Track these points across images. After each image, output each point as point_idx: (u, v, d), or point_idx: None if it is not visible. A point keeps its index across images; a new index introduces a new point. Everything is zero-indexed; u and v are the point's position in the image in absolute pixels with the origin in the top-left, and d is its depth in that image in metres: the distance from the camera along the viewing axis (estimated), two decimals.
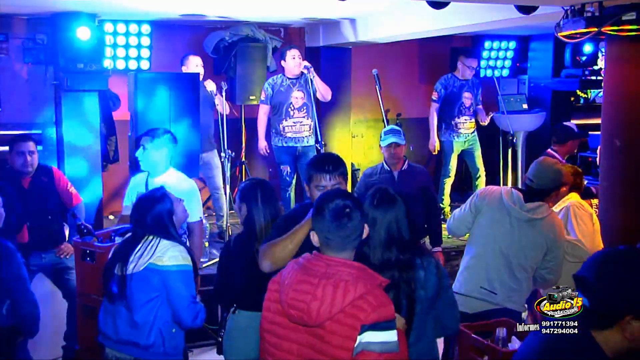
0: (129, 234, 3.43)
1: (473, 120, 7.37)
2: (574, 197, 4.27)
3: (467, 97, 7.29)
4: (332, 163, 3.06)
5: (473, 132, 7.38)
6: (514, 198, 3.82)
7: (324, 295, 2.21)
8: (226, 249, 3.59)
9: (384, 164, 5.15)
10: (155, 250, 3.22)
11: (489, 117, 7.45)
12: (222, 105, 6.33)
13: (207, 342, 4.95)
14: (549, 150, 5.57)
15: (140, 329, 3.24)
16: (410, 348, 2.61)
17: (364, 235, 2.44)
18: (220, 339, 3.56)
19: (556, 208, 4.14)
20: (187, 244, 4.04)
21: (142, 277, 3.21)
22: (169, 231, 3.32)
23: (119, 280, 3.24)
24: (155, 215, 3.31)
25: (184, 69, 6.41)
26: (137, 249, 3.25)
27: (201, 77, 6.28)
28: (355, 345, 2.19)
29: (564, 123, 5.92)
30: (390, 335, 2.24)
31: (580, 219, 4.07)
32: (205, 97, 6.29)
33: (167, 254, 3.22)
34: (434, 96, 7.31)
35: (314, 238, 2.41)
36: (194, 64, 6.38)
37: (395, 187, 4.83)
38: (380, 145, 5.17)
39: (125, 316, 3.25)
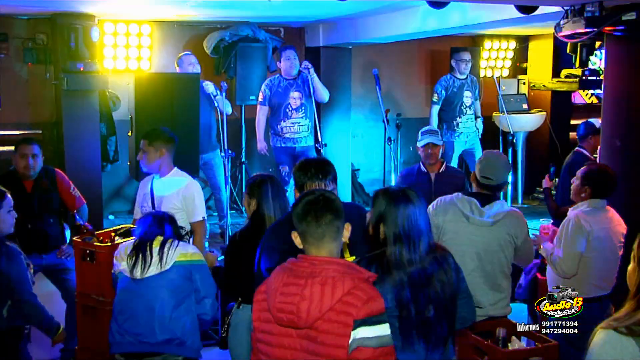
0: (133, 238, 3.50)
1: (474, 119, 7.34)
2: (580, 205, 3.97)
3: (467, 97, 7.27)
4: (322, 169, 3.04)
5: (474, 131, 7.36)
6: (471, 205, 3.64)
7: (312, 294, 2.19)
8: (232, 244, 3.57)
9: (421, 164, 5.04)
10: (176, 249, 3.37)
11: (480, 122, 7.39)
12: (222, 105, 6.28)
13: (209, 341, 4.93)
14: (577, 148, 5.60)
15: (175, 326, 3.34)
16: None
17: (345, 235, 2.38)
18: (224, 334, 3.58)
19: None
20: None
21: (171, 274, 3.34)
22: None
23: (147, 282, 3.33)
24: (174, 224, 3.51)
25: (179, 70, 6.40)
26: (157, 250, 3.35)
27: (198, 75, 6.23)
28: (350, 342, 2.17)
29: (588, 120, 5.90)
30: (384, 329, 2.23)
31: (572, 239, 3.83)
32: (207, 97, 6.28)
33: (190, 251, 3.42)
34: (434, 98, 7.29)
35: (296, 240, 2.36)
36: (187, 63, 6.36)
37: (432, 189, 4.78)
38: (417, 146, 5.09)
39: (159, 317, 3.32)
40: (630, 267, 2.16)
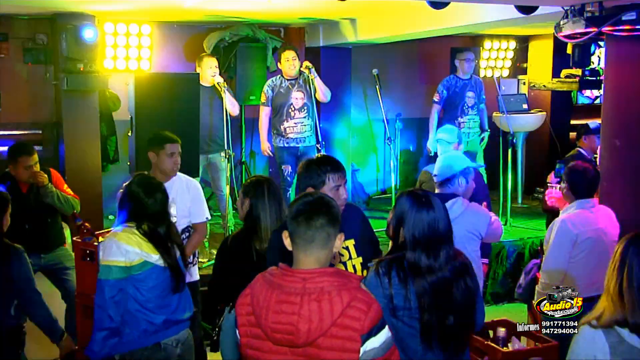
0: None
1: (477, 120, 7.33)
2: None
3: (470, 97, 7.25)
4: (336, 165, 3.04)
5: (476, 132, 7.35)
6: None
7: (311, 313, 2.10)
8: (224, 248, 3.52)
9: None
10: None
11: (486, 136, 7.38)
12: (230, 103, 6.21)
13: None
14: (577, 148, 5.82)
15: (190, 301, 3.40)
16: None
17: (337, 245, 2.27)
18: (214, 337, 3.56)
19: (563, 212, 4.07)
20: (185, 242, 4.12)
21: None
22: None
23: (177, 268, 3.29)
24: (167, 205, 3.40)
25: (198, 69, 6.38)
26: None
27: (215, 79, 6.19)
28: (360, 355, 2.12)
29: (588, 121, 6.02)
30: (386, 331, 2.19)
31: (558, 244, 3.89)
32: (215, 98, 6.24)
33: None
34: (436, 97, 7.18)
35: (286, 241, 2.28)
36: (208, 66, 6.33)
37: None
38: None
39: (177, 297, 3.32)
40: (609, 267, 2.32)
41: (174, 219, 3.68)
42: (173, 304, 3.28)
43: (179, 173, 4.36)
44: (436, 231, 2.64)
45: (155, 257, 3.19)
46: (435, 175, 3.89)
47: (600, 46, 7.99)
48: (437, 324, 2.62)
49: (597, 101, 8.83)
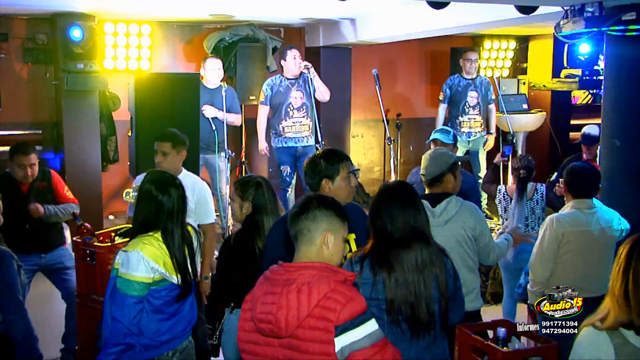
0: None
1: (479, 120, 7.36)
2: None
3: (472, 97, 7.32)
4: (344, 154, 3.13)
5: (479, 132, 7.37)
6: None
7: (289, 302, 2.13)
8: (226, 248, 3.51)
9: None
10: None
11: (491, 138, 7.47)
12: (232, 117, 6.41)
13: None
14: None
15: (195, 309, 3.27)
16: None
17: (325, 242, 2.28)
18: (215, 342, 3.53)
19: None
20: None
21: None
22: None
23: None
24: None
25: (202, 71, 6.40)
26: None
27: (219, 79, 6.33)
28: (339, 349, 2.11)
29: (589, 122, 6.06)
30: (371, 325, 2.17)
31: (543, 243, 3.88)
32: (215, 100, 6.27)
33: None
34: (440, 96, 7.46)
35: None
36: (211, 67, 6.36)
37: None
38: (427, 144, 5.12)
39: (187, 310, 3.19)
40: (614, 269, 2.28)
41: None
42: (179, 315, 3.15)
43: (186, 172, 4.34)
44: (408, 221, 2.70)
45: (175, 278, 3.04)
46: (422, 175, 3.84)
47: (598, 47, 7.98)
48: (405, 311, 2.63)
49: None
